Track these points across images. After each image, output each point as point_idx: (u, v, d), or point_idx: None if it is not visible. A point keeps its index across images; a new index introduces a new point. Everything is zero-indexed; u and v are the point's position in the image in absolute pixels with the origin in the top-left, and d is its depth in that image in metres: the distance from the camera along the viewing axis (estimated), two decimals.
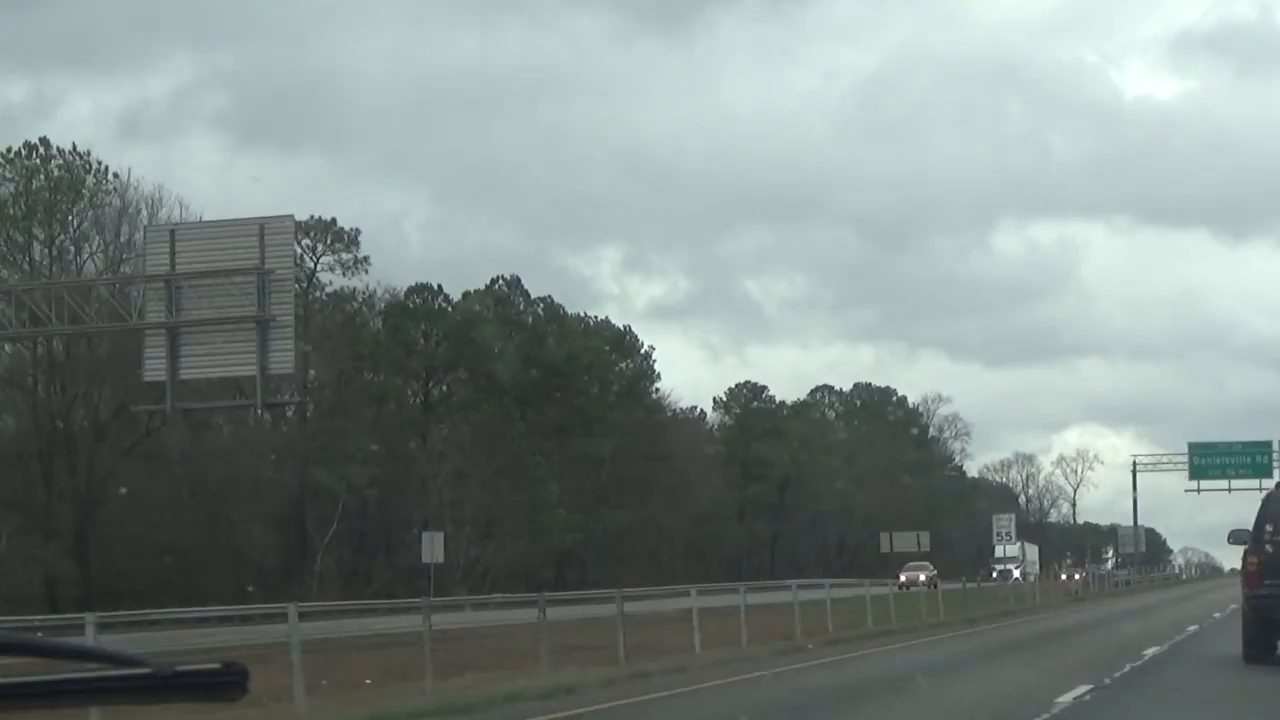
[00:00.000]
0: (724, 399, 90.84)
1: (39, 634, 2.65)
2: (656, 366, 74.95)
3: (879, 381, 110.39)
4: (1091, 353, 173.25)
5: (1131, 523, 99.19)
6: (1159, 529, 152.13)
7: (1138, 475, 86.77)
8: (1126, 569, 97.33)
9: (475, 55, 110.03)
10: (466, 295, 65.54)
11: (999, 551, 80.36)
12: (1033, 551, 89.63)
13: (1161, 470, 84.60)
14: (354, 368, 56.38)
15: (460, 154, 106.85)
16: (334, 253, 56.13)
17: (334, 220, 55.64)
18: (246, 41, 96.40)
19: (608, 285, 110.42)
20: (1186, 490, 79.04)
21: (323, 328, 54.09)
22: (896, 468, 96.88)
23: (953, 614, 34.95)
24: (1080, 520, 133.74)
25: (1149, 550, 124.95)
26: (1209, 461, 78.82)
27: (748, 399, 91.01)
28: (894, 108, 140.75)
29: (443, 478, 54.00)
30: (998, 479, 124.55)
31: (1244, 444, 78.61)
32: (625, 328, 73.95)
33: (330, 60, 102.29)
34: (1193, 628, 26.73)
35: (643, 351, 73.92)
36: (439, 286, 62.43)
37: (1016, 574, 72.68)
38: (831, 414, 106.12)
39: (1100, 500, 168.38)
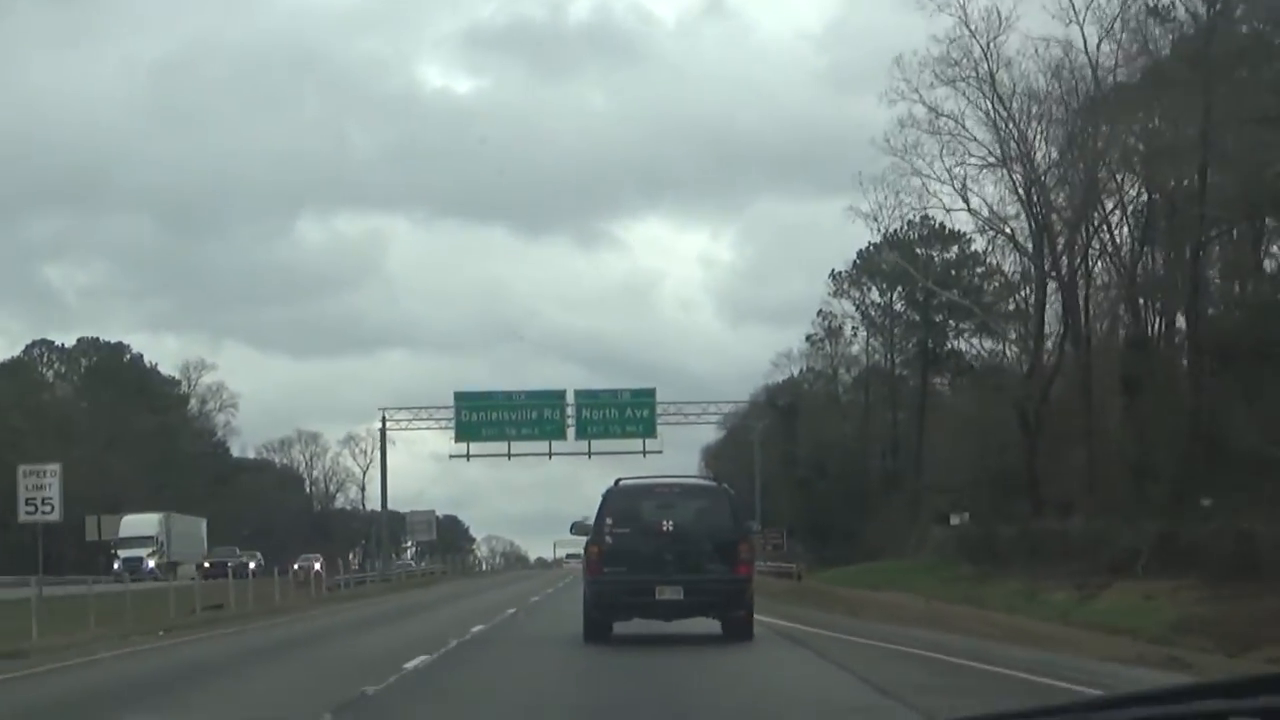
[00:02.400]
0: None
1: None
2: None
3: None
4: (398, 344, 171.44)
5: (437, 511, 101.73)
6: (464, 518, 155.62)
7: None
8: (416, 560, 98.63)
9: None
10: None
11: (124, 532, 65.44)
12: (191, 526, 77.02)
13: (434, 426, 76.15)
14: None
15: None
16: None
17: None
18: None
19: None
20: (453, 456, 71.73)
21: None
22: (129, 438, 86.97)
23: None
24: (372, 508, 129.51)
25: (447, 538, 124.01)
26: (484, 417, 71.02)
27: None
28: (191, 94, 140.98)
29: None
30: (281, 460, 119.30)
31: (527, 393, 71.99)
32: None
33: None
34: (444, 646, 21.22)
35: None
36: None
37: (152, 563, 64.85)
38: (49, 373, 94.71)
39: (409, 489, 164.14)
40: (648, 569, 20.16)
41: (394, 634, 24.76)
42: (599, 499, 21.13)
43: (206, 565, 63.54)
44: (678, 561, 20.25)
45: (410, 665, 17.00)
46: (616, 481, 21.19)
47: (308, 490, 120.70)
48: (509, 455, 71.81)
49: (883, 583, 50.80)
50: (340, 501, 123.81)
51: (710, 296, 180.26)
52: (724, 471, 79.44)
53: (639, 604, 20.43)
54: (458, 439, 70.99)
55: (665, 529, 20.46)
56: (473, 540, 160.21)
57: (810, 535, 79.99)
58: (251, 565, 62.48)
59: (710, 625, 20.99)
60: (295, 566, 55.24)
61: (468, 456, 72.09)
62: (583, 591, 21.14)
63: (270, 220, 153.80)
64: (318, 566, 59.19)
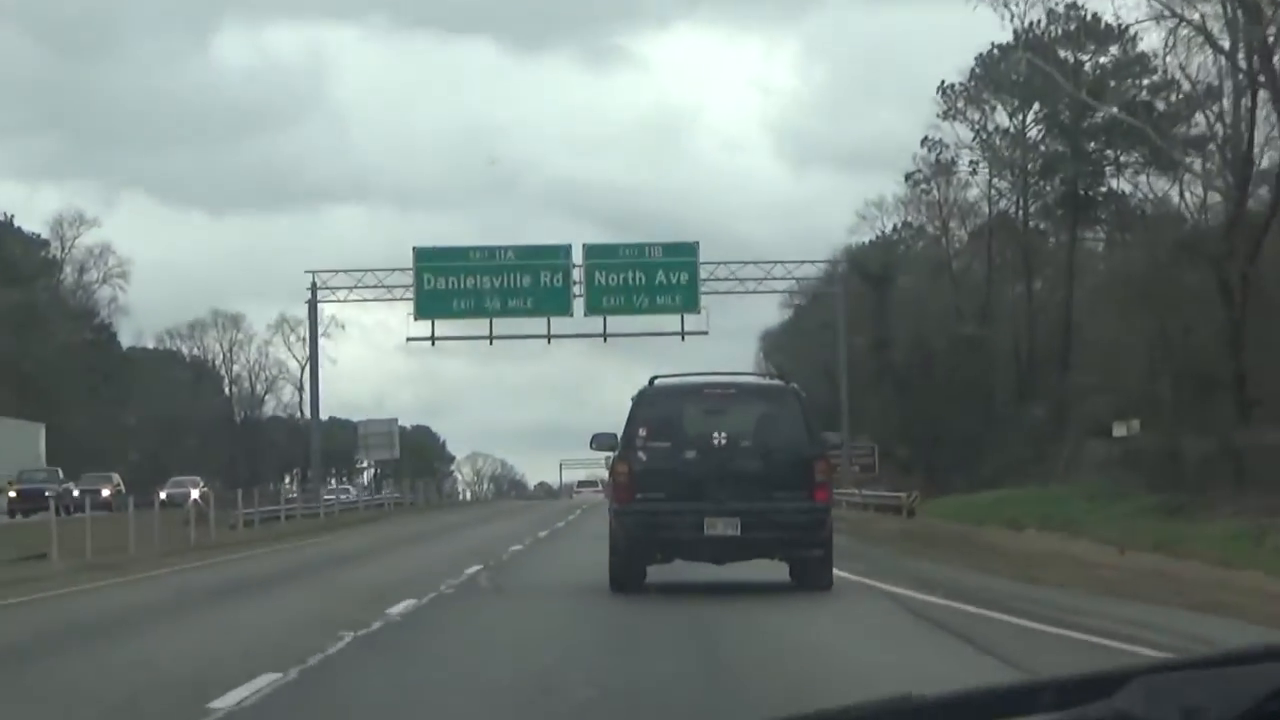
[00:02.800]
0: None
1: None
2: None
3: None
4: (348, 198, 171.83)
5: (402, 420, 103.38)
6: (439, 430, 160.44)
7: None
8: (373, 486, 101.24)
9: None
10: None
11: None
12: (18, 436, 76.54)
13: (386, 297, 75.34)
14: None
15: None
16: None
17: None
18: None
19: None
20: (413, 339, 71.94)
21: None
22: None
23: None
24: (328, 416, 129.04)
25: (417, 457, 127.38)
26: (455, 284, 70.10)
27: None
28: None
29: None
30: (191, 351, 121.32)
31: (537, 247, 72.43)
32: None
33: None
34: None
35: None
36: None
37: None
38: None
39: (364, 392, 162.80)
40: (693, 494, 20.99)
41: (255, 618, 21.43)
42: (623, 405, 22.00)
43: (12, 494, 61.85)
44: (733, 485, 21.02)
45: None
46: (651, 381, 22.12)
47: (227, 392, 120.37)
48: (490, 338, 71.96)
49: (1027, 518, 50.72)
50: (272, 407, 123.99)
51: (766, 134, 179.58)
52: (791, 367, 79.94)
53: (682, 541, 21.26)
54: (419, 314, 70.94)
55: (716, 442, 21.18)
56: (451, 460, 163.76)
57: (911, 451, 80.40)
58: (106, 493, 61.12)
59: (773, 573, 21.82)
60: (162, 495, 53.77)
61: (432, 339, 73.11)
62: (609, 526, 21.86)
63: (179, 36, 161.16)
64: (195, 495, 57.33)
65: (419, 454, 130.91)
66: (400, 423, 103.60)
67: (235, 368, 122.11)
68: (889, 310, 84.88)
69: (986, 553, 33.85)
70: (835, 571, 22.21)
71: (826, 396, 76.32)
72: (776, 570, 21.97)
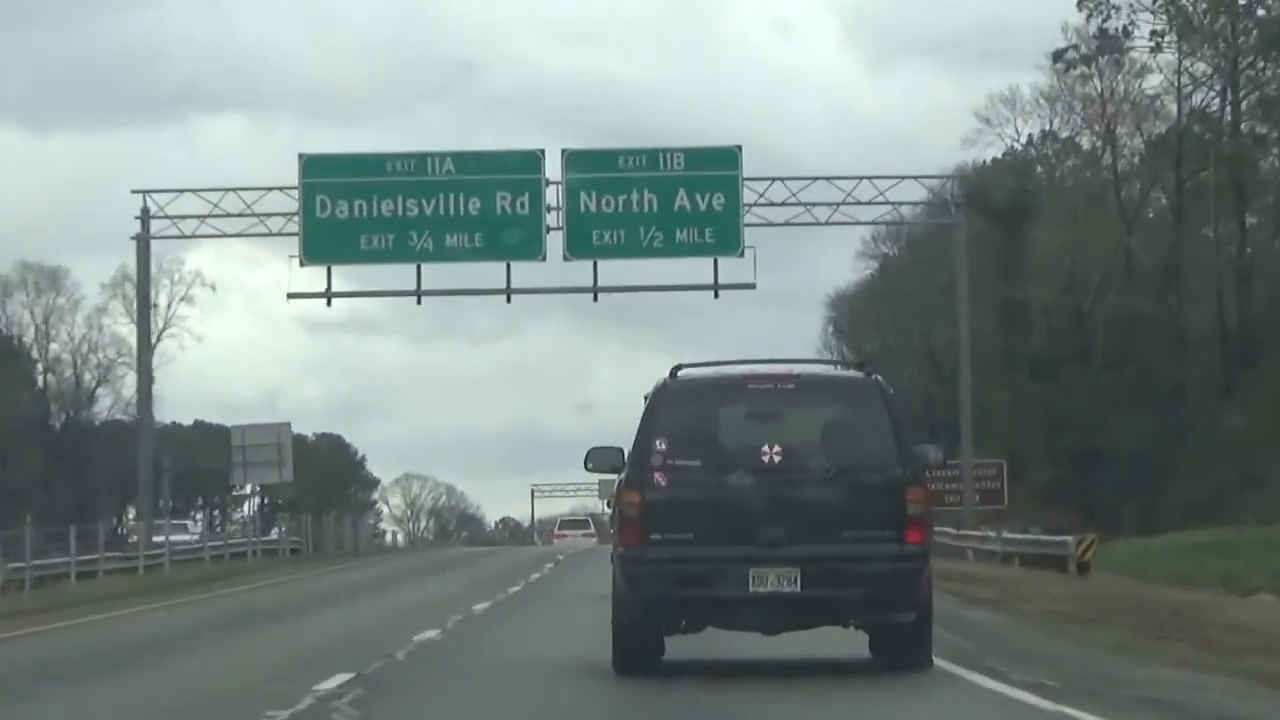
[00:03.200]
0: None
1: None
2: None
3: None
4: (229, 105, 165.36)
5: (299, 429, 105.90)
6: (358, 442, 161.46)
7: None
8: (253, 523, 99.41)
9: None
10: None
11: None
12: None
13: (264, 231, 72.02)
14: None
15: None
16: None
17: None
18: None
19: None
20: (296, 295, 69.80)
21: None
22: None
23: None
24: (193, 419, 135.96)
25: (321, 483, 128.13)
26: (362, 211, 66.69)
27: None
28: None
29: None
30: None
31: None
32: None
33: None
34: None
35: None
36: None
37: None
38: None
39: (249, 388, 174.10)
40: (734, 535, 21.43)
41: None
42: (631, 406, 23.52)
43: None
44: (790, 521, 21.45)
45: None
46: (674, 371, 22.64)
47: (41, 382, 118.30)
48: (418, 294, 69.36)
49: (1252, 574, 52.10)
50: (107, 406, 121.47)
51: (830, 13, 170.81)
52: (872, 347, 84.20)
53: (718, 601, 21.68)
54: (307, 257, 67.55)
55: (767, 459, 21.55)
56: (375, 485, 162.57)
57: (1056, 473, 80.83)
58: None
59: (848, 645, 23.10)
60: None
61: (327, 296, 69.25)
62: (612, 579, 22.60)
63: None
64: None
65: (328, 476, 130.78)
66: (298, 430, 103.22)
67: (53, 348, 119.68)
68: (1022, 263, 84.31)
69: (1241, 642, 30.36)
70: (975, 680, 22.29)
71: (925, 391, 79.28)
72: (851, 642, 22.74)
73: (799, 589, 21.27)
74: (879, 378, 23.19)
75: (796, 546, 21.26)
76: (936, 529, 67.50)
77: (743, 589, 21.26)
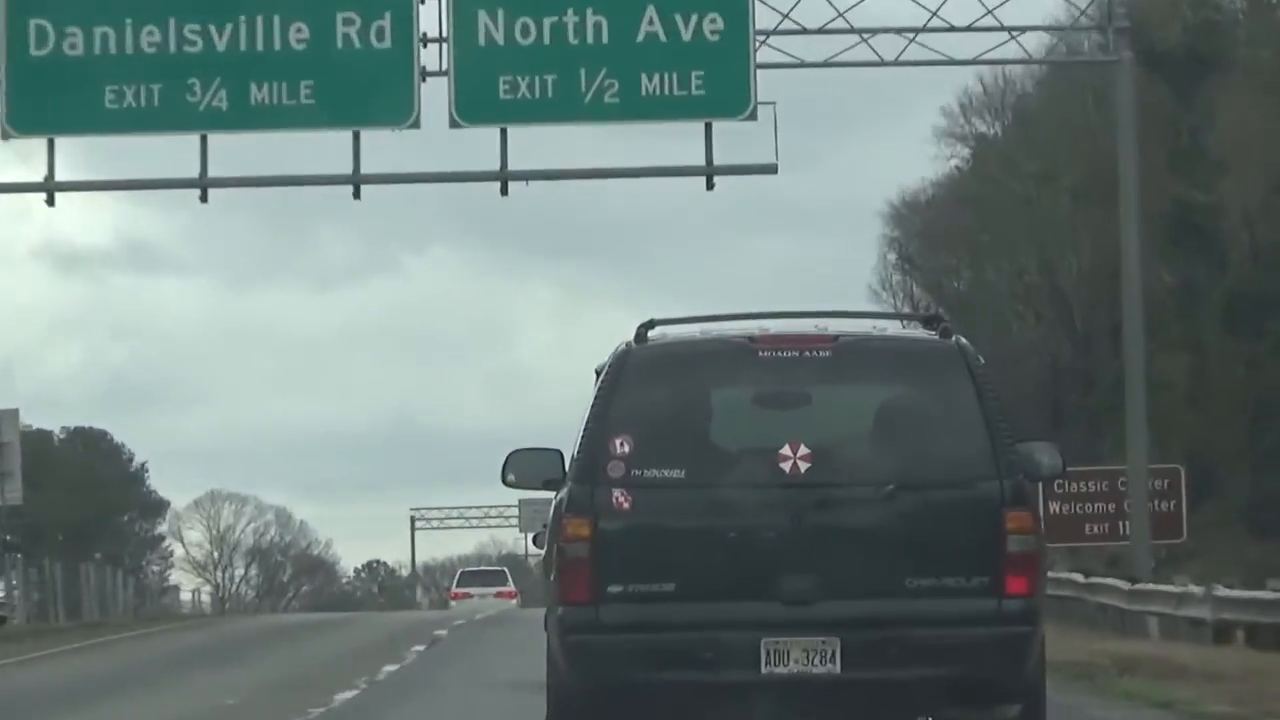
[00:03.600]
0: None
1: None
2: None
3: None
4: None
5: (22, 416, 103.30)
6: (128, 439, 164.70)
7: None
8: None
9: None
10: None
11: None
12: None
13: None
14: None
15: None
16: None
17: None
18: None
19: None
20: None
21: None
22: None
23: None
24: None
25: (82, 504, 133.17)
26: (105, 51, 67.20)
27: None
28: None
29: None
30: None
31: None
32: None
33: None
34: None
35: None
36: None
37: None
38: None
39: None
40: (738, 586, 21.76)
41: None
42: (574, 383, 22.61)
43: None
44: (824, 563, 21.70)
45: None
46: (642, 332, 22.76)
47: None
48: (202, 188, 67.60)
49: None
50: None
51: None
52: (961, 284, 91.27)
53: (715, 689, 22.10)
54: (14, 125, 67.03)
55: (789, 467, 21.76)
56: (163, 508, 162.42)
57: (1265, 482, 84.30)
58: None
59: None
60: None
61: (49, 193, 69.04)
62: (546, 656, 23.06)
63: None
64: None
65: (87, 495, 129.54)
66: (37, 423, 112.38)
67: None
68: (1203, 148, 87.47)
69: None
70: None
71: (1044, 355, 77.59)
72: None
73: (838, 669, 20.98)
74: (961, 339, 22.84)
75: (834, 603, 20.98)
76: (1058, 576, 63.76)
77: (752, 669, 20.91)
